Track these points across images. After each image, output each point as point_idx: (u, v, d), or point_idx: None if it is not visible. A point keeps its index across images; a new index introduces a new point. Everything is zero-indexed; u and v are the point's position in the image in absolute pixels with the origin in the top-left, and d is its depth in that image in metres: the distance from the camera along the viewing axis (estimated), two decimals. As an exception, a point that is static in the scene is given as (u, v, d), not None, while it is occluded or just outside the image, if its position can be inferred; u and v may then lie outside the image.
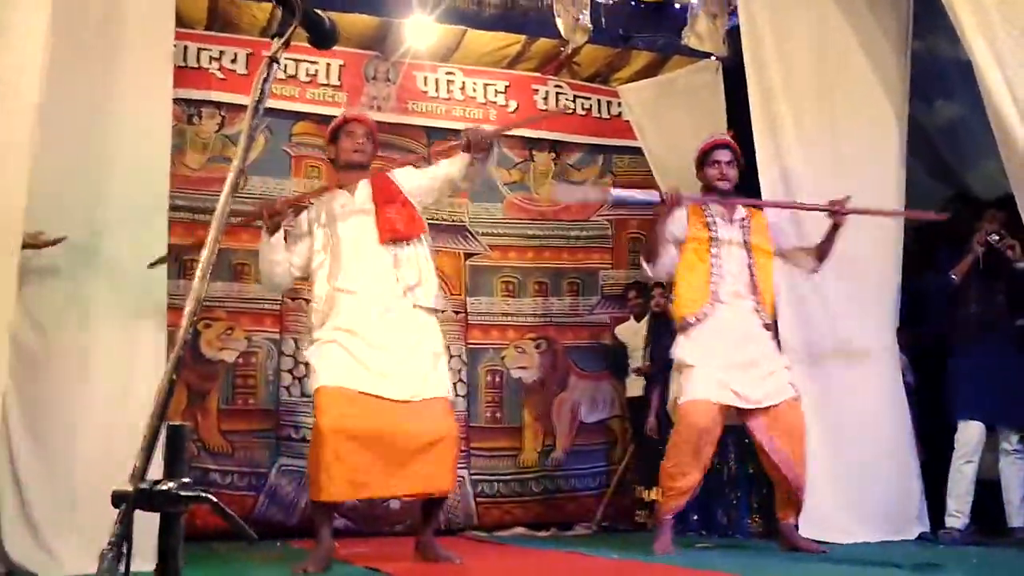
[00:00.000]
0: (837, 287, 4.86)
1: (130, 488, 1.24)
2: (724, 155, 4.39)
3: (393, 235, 3.84)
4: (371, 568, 3.69)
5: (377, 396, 3.66)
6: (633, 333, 6.27)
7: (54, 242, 3.62)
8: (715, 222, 4.36)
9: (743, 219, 4.41)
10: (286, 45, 1.63)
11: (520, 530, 5.87)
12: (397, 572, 3.45)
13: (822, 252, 4.39)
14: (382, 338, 3.73)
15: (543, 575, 3.85)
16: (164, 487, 1.25)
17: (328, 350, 3.72)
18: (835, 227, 4.27)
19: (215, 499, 1.31)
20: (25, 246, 3.41)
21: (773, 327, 4.42)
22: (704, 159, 4.44)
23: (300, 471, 5.61)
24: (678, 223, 4.34)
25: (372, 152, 4.08)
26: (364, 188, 3.95)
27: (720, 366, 4.16)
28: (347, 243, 3.84)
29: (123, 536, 1.22)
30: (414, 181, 4.04)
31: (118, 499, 1.24)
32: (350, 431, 3.57)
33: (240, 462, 5.55)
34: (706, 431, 4.11)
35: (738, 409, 4.21)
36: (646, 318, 6.23)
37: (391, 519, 5.67)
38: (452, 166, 3.98)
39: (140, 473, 1.27)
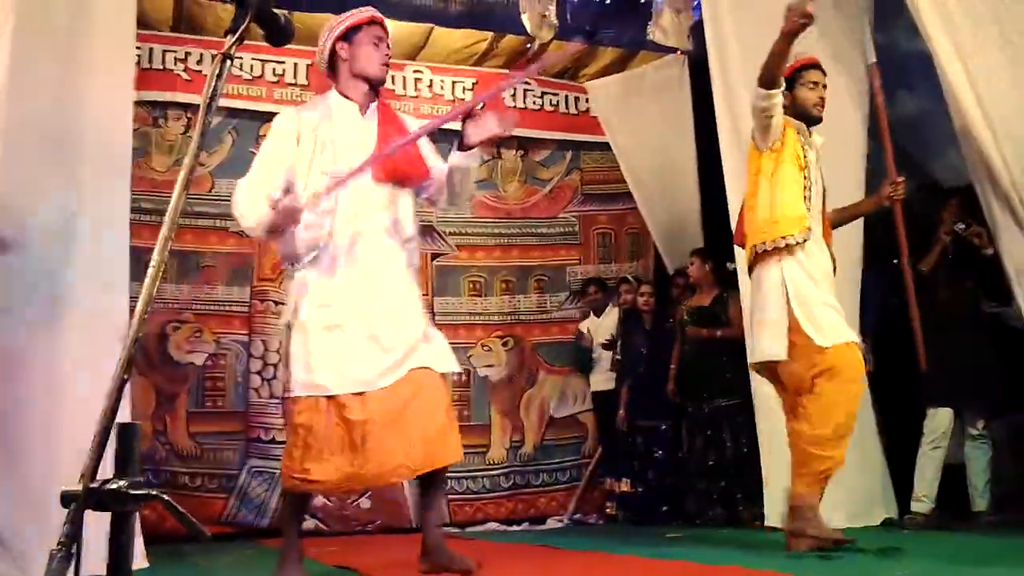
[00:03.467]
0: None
1: (80, 488, 1.24)
2: (820, 76, 3.86)
3: (394, 174, 3.17)
4: (341, 566, 3.69)
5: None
6: (596, 327, 6.30)
7: (10, 244, 3.55)
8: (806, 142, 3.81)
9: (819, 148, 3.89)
10: (240, 41, 1.65)
11: (493, 526, 5.88)
12: (366, 569, 3.45)
13: (842, 220, 4.04)
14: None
15: (516, 570, 3.85)
16: (114, 486, 1.25)
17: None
18: (881, 206, 3.97)
19: (166, 498, 1.31)
20: None
21: None
22: (797, 78, 3.82)
23: (270, 472, 5.60)
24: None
25: (387, 65, 3.33)
26: (373, 111, 3.27)
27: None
28: (343, 165, 3.05)
29: (72, 536, 1.21)
30: (425, 146, 3.36)
31: (67, 499, 1.24)
32: None
33: (210, 464, 5.53)
34: None
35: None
36: (607, 312, 6.27)
37: (361, 518, 5.67)
38: (452, 162, 3.23)
39: (90, 473, 1.27)
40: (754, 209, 3.79)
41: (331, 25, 3.27)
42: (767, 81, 3.62)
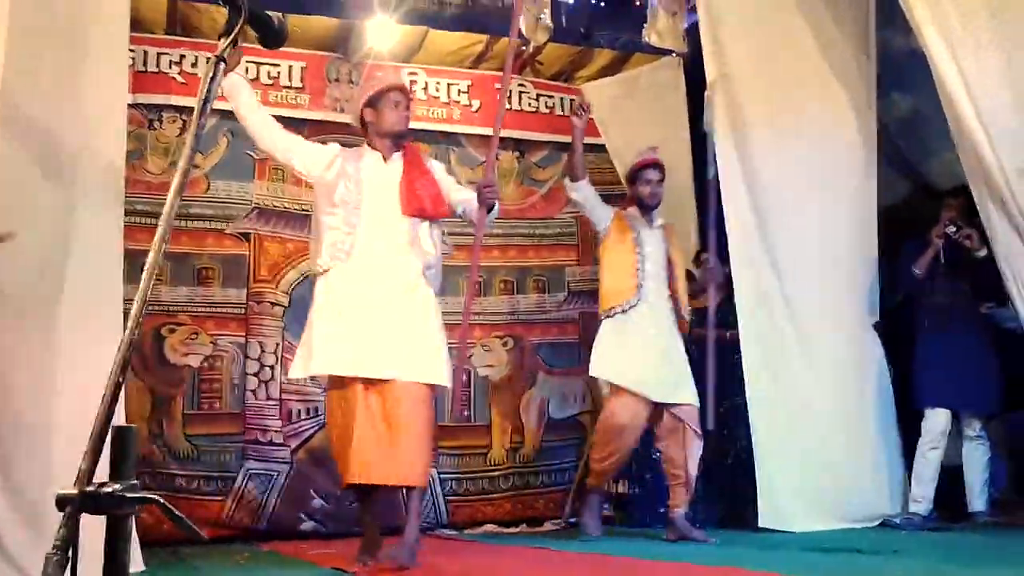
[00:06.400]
0: (808, 273, 4.95)
1: (75, 491, 1.24)
2: (654, 174, 4.83)
3: (419, 210, 3.88)
4: (337, 569, 3.69)
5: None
6: None
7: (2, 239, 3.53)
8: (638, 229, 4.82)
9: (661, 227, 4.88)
10: (233, 44, 1.65)
11: (490, 527, 5.88)
12: (361, 572, 3.45)
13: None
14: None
15: (513, 571, 3.85)
16: (109, 489, 1.25)
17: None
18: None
19: (162, 500, 1.31)
20: None
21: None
22: (636, 176, 4.87)
23: (267, 474, 5.59)
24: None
25: (409, 121, 4.12)
26: (397, 158, 3.99)
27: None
28: (370, 207, 3.83)
29: (68, 540, 1.21)
30: (444, 182, 4.10)
31: (62, 503, 1.24)
32: None
33: (207, 467, 5.51)
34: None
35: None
36: None
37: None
38: (467, 203, 4.03)
39: (86, 476, 1.27)
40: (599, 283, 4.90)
41: (359, 93, 4.10)
42: (569, 176, 4.79)
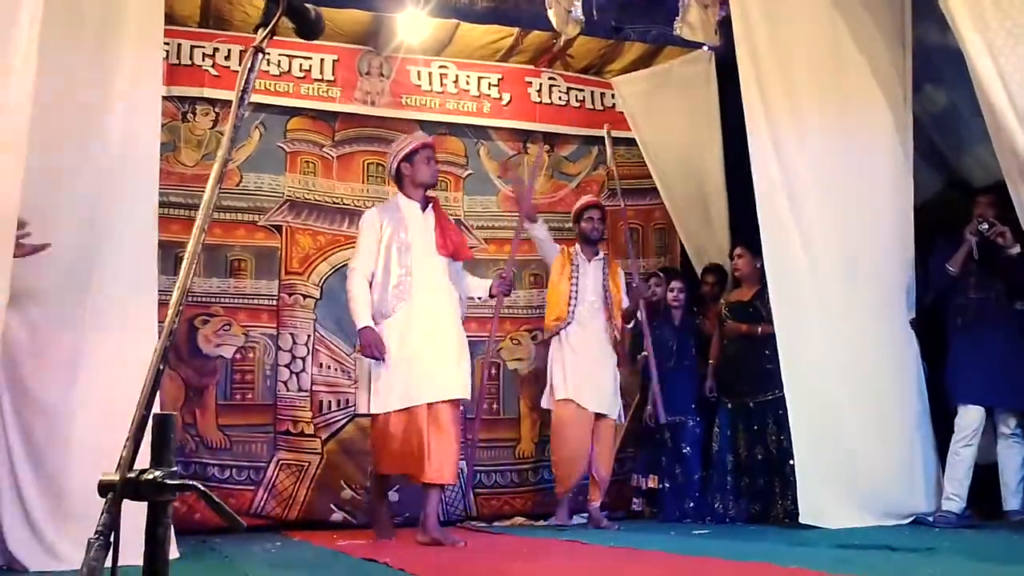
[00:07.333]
0: (844, 271, 4.91)
1: (117, 478, 1.25)
2: (596, 213, 5.68)
3: (452, 252, 4.63)
4: (369, 559, 3.71)
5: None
6: None
7: (36, 250, 3.56)
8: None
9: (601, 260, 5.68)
10: (271, 35, 1.65)
11: (519, 520, 5.89)
12: (394, 562, 3.46)
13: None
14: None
15: (541, 564, 3.85)
16: (151, 476, 1.26)
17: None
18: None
19: (202, 488, 1.32)
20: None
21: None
22: (580, 215, 5.69)
23: (298, 465, 5.64)
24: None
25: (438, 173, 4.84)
26: (430, 208, 4.66)
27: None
28: (418, 249, 4.52)
29: (110, 526, 1.22)
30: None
31: (105, 489, 1.25)
32: None
33: (238, 457, 5.57)
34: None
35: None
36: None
37: (390, 511, 5.67)
38: (475, 287, 4.92)
39: (127, 463, 1.28)
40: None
41: (396, 150, 4.67)
42: (527, 218, 5.57)
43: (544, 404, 5.65)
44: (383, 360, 4.38)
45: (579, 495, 5.70)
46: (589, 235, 5.65)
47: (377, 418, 4.46)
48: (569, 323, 5.48)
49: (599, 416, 5.43)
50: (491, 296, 4.97)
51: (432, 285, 4.51)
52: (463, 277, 4.84)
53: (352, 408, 5.84)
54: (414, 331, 4.40)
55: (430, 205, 4.67)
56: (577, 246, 5.70)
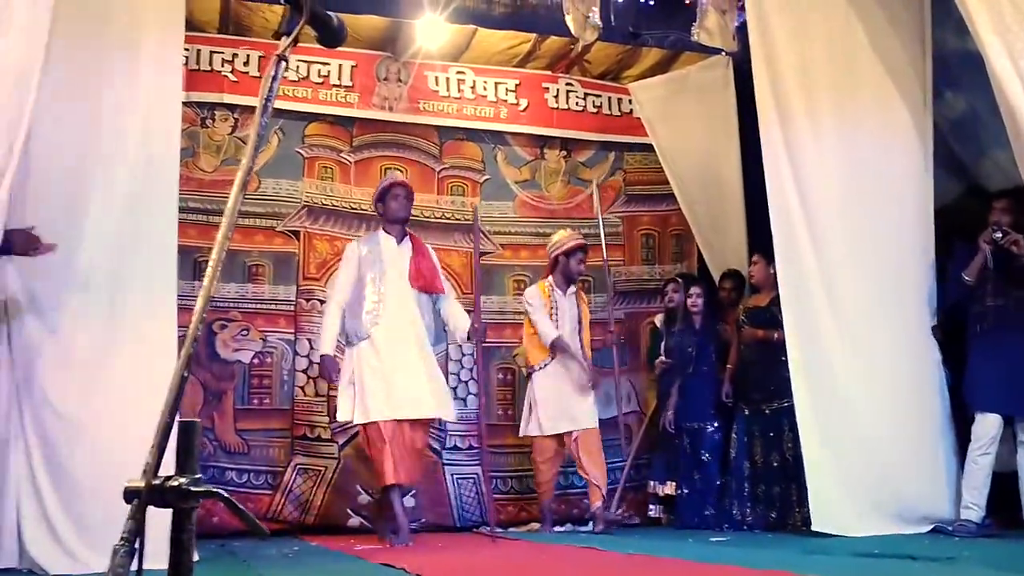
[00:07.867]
0: (864, 275, 4.89)
1: (142, 484, 1.26)
2: (583, 255, 5.80)
3: (423, 285, 5.06)
4: (386, 564, 3.71)
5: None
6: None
7: (44, 250, 3.58)
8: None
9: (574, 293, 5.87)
10: (294, 43, 1.65)
11: (535, 526, 5.87)
12: (412, 568, 3.46)
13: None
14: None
15: (558, 570, 3.85)
16: (175, 483, 1.26)
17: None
18: None
19: (226, 495, 1.33)
20: (18, 253, 3.45)
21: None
22: (571, 253, 5.75)
23: (315, 469, 5.65)
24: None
25: (410, 208, 5.22)
26: (406, 242, 5.12)
27: None
28: (391, 278, 4.97)
29: (135, 532, 1.23)
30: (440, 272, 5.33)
31: (130, 495, 1.25)
32: None
33: (256, 461, 5.59)
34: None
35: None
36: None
37: (407, 515, 5.67)
38: (457, 320, 5.22)
39: (152, 469, 1.28)
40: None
41: (375, 192, 5.23)
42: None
43: (521, 432, 5.80)
44: (336, 383, 4.98)
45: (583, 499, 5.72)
46: (576, 275, 5.83)
47: (366, 428, 4.84)
48: (554, 357, 5.65)
49: (580, 432, 5.62)
50: (468, 340, 5.39)
51: (401, 313, 4.96)
52: (451, 307, 5.26)
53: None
54: (386, 352, 4.86)
55: (407, 237, 5.14)
56: (551, 279, 5.80)
